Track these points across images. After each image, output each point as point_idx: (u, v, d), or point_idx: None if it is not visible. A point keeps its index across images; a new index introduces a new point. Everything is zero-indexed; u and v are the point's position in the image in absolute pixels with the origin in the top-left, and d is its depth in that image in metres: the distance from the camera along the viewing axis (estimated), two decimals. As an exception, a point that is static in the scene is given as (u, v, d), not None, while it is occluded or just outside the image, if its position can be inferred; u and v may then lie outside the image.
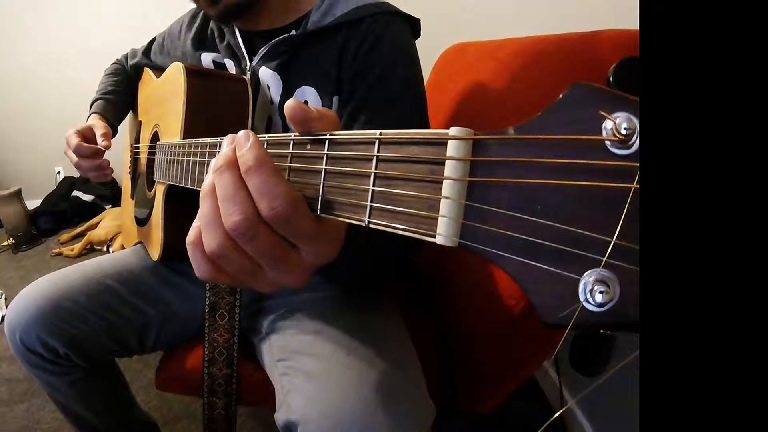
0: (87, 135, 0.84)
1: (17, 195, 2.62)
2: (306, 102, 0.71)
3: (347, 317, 0.66)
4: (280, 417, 0.57)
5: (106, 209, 2.84)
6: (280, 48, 0.72)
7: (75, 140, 0.81)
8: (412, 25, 0.74)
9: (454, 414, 0.54)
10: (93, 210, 2.88)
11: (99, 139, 0.83)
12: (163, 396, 1.22)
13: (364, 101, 0.67)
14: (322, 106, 0.71)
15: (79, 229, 2.58)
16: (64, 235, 2.57)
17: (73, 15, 3.08)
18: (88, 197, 2.92)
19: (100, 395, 0.81)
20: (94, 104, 0.95)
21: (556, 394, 1.08)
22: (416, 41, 0.74)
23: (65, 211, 2.82)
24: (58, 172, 3.25)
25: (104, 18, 3.04)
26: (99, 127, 0.85)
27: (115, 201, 3.04)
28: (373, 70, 0.68)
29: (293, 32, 0.72)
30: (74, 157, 0.82)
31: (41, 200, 2.94)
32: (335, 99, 0.70)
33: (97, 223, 2.50)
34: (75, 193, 2.94)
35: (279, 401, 0.60)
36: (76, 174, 3.10)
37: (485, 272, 0.79)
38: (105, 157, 0.85)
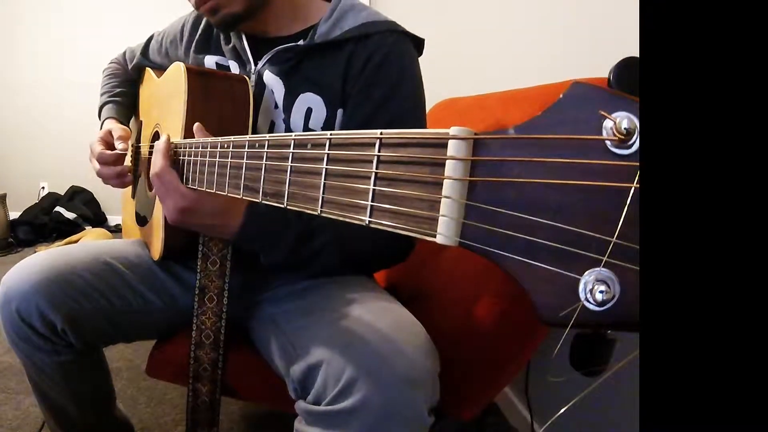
0: (109, 141, 0.84)
1: (1, 200, 2.61)
2: (310, 109, 0.72)
3: (351, 291, 0.68)
4: (296, 371, 0.57)
5: (86, 229, 2.83)
6: (286, 54, 0.73)
7: (98, 148, 0.81)
8: (417, 45, 0.76)
9: (436, 419, 0.55)
10: (73, 228, 2.88)
11: (116, 143, 0.82)
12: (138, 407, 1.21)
13: (369, 119, 0.69)
14: (327, 116, 0.72)
15: (57, 244, 2.52)
16: (41, 247, 2.54)
17: (73, 37, 3.10)
18: (70, 215, 2.93)
19: (87, 384, 0.79)
20: (106, 108, 0.94)
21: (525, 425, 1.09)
22: None
23: (45, 225, 2.82)
24: (43, 187, 3.27)
25: (99, 39, 3.06)
26: (116, 130, 0.85)
27: (97, 222, 3.05)
28: (379, 89, 0.69)
29: (301, 42, 0.73)
30: (97, 165, 0.81)
31: (22, 212, 2.94)
32: (339, 112, 0.72)
33: (77, 241, 2.44)
34: (57, 209, 2.95)
35: (291, 361, 0.60)
36: (60, 190, 3.13)
37: (465, 276, 0.81)
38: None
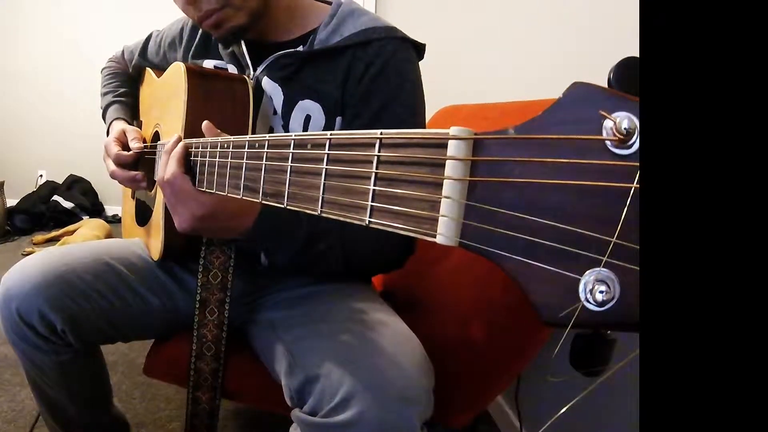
0: (123, 142, 0.84)
1: (-1, 187, 2.62)
2: (308, 116, 0.72)
3: (350, 301, 0.69)
4: (294, 381, 0.57)
5: (83, 219, 2.83)
6: (285, 61, 0.72)
7: (115, 149, 0.80)
8: (418, 50, 0.75)
9: (428, 427, 0.55)
10: (70, 217, 2.87)
11: (132, 143, 0.81)
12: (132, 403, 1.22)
13: (368, 128, 0.69)
14: (326, 123, 0.71)
15: (54, 233, 2.54)
16: (38, 236, 2.54)
17: (73, 25, 3.10)
18: (68, 204, 2.92)
19: (85, 382, 0.79)
20: (112, 108, 0.94)
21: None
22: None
23: (42, 214, 2.81)
24: (41, 176, 3.26)
25: (99, 27, 3.06)
26: (129, 130, 0.85)
27: (94, 213, 3.04)
28: (378, 98, 0.68)
29: (300, 48, 0.72)
30: (112, 166, 0.80)
31: (19, 200, 2.93)
32: (338, 119, 0.71)
33: (74, 231, 2.47)
34: (55, 198, 2.94)
35: (288, 370, 0.60)
36: (59, 179, 3.13)
37: (462, 286, 0.81)
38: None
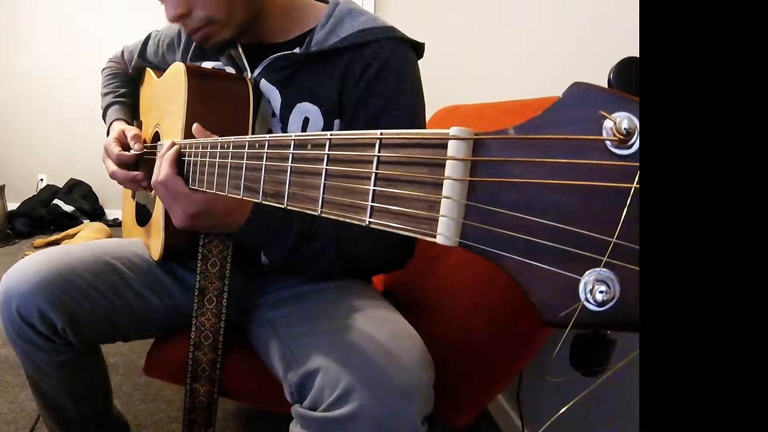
0: (123, 142, 0.83)
1: (0, 191, 2.62)
2: (307, 119, 0.71)
3: (350, 298, 0.69)
4: (294, 376, 0.58)
5: (84, 222, 2.82)
6: (282, 63, 0.72)
7: (116, 149, 0.80)
8: (417, 50, 0.74)
9: (429, 426, 0.55)
10: (70, 221, 2.88)
11: (132, 143, 0.81)
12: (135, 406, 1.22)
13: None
14: (324, 125, 0.71)
15: (55, 237, 2.53)
16: (39, 240, 2.54)
17: (72, 27, 3.09)
18: (68, 208, 2.92)
19: (85, 382, 0.79)
20: (112, 109, 0.94)
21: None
22: None
23: (42, 218, 2.81)
24: (41, 179, 3.26)
25: (99, 30, 3.06)
26: (129, 130, 0.84)
27: (95, 216, 3.04)
28: (377, 101, 0.68)
29: (297, 50, 0.72)
30: (112, 167, 0.80)
31: (20, 203, 2.93)
32: (337, 122, 0.71)
33: (75, 234, 2.46)
34: (55, 201, 2.94)
35: (288, 366, 0.61)
36: (59, 183, 3.12)
37: (463, 285, 0.81)
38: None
